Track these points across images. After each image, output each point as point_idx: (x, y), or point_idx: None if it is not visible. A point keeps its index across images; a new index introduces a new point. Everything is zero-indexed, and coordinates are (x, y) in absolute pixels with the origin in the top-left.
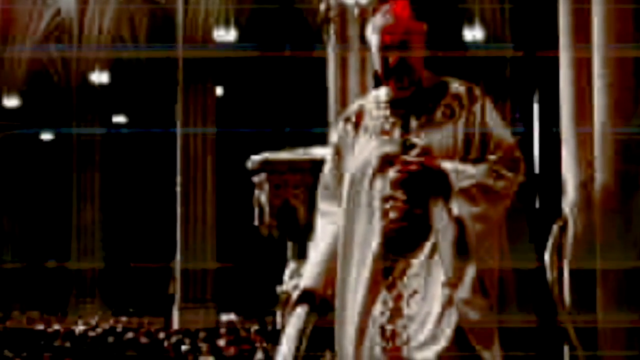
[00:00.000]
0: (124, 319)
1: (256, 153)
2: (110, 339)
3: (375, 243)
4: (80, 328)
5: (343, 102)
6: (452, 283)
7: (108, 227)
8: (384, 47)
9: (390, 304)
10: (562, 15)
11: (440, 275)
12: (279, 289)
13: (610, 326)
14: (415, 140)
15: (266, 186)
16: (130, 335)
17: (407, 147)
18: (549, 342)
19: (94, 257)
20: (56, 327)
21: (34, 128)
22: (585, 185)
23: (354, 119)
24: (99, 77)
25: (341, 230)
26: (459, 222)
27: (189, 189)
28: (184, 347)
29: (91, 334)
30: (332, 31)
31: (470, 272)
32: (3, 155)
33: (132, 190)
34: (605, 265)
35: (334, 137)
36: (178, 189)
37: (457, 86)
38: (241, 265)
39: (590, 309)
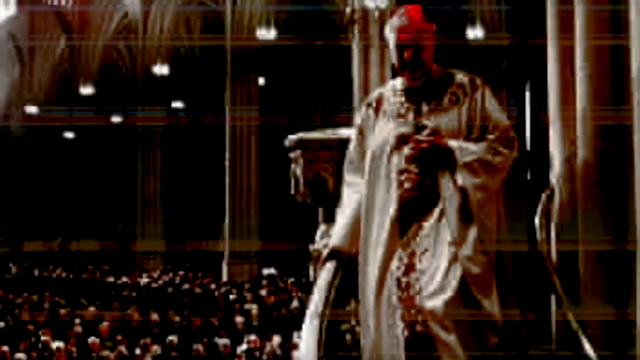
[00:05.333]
0: (181, 273)
1: (292, 133)
2: (170, 290)
3: (392, 209)
4: (144, 280)
5: (365, 91)
6: (457, 242)
7: (167, 196)
8: (399, 44)
9: (405, 260)
10: (549, 16)
11: (447, 236)
12: (311, 247)
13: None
14: (426, 122)
15: (301, 161)
16: (186, 286)
17: (419, 128)
18: (538, 291)
19: (155, 222)
20: (124, 279)
21: (105, 112)
22: (569, 160)
23: (374, 105)
24: (161, 69)
25: (364, 198)
26: (462, 191)
27: (236, 163)
28: (231, 297)
29: (154, 285)
30: (356, 30)
31: (473, 233)
32: (79, 136)
33: (188, 164)
34: (586, 227)
35: (357, 119)
36: (227, 163)
37: (461, 77)
38: (280, 227)
39: (573, 263)
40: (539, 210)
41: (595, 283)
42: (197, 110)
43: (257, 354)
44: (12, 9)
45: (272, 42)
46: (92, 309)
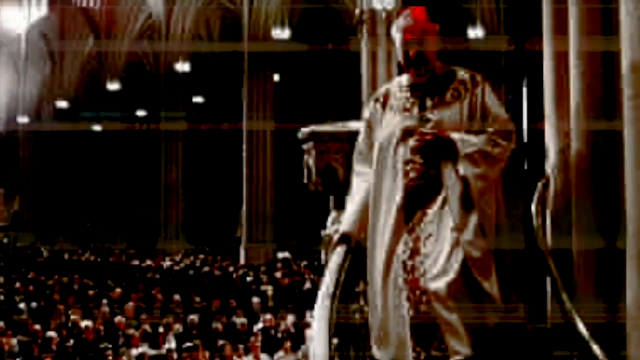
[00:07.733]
0: (201, 256)
1: (305, 126)
2: (191, 272)
3: (398, 197)
4: (167, 263)
5: (373, 86)
6: (459, 228)
7: (188, 184)
8: (405, 43)
9: (410, 244)
10: (545, 16)
11: (449, 222)
12: (323, 232)
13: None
14: (429, 116)
15: (313, 152)
16: (206, 269)
17: (423, 121)
18: (534, 272)
19: (177, 208)
20: (148, 262)
21: (130, 107)
22: (563, 151)
23: (381, 99)
24: (182, 67)
25: (371, 187)
26: (464, 180)
27: (252, 154)
28: (248, 278)
29: (176, 268)
30: (364, 30)
31: (473, 219)
32: (106, 129)
33: (207, 155)
34: (579, 214)
35: (366, 113)
36: (244, 154)
37: (463, 73)
38: (294, 214)
39: (567, 249)
40: (535, 198)
41: (587, 266)
42: (216, 106)
43: (272, 332)
44: (43, 10)
45: (286, 41)
46: (118, 290)
